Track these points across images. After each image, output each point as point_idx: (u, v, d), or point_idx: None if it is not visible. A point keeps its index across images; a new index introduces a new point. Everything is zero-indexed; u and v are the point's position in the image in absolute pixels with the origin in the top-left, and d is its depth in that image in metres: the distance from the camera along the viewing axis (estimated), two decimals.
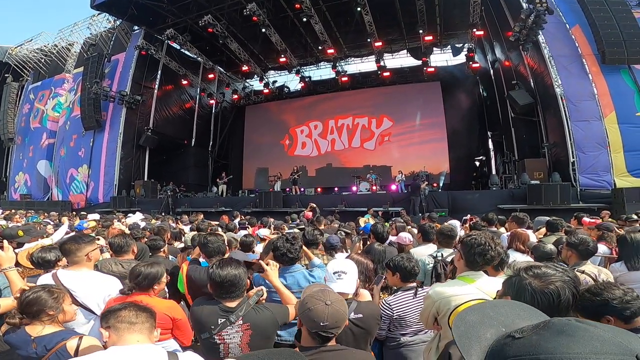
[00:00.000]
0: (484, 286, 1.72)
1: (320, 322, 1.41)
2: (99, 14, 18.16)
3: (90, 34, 19.15)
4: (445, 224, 4.98)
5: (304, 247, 2.96)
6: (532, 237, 3.75)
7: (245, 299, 1.97)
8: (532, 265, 1.24)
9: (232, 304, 1.93)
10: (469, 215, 5.39)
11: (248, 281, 2.06)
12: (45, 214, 11.38)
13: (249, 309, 1.91)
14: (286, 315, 2.08)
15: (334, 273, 2.07)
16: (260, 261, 2.29)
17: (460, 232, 4.81)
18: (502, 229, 5.28)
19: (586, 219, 5.23)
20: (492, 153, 17.98)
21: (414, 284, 2.48)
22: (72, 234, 4.30)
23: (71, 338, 1.72)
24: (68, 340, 1.70)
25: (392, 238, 4.33)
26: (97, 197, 16.76)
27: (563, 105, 10.67)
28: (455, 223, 5.27)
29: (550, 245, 2.83)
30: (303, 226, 6.41)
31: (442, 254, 3.04)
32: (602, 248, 3.50)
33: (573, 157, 10.51)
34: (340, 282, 2.03)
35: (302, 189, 16.05)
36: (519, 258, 2.90)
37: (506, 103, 13.92)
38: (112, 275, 2.48)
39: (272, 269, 2.25)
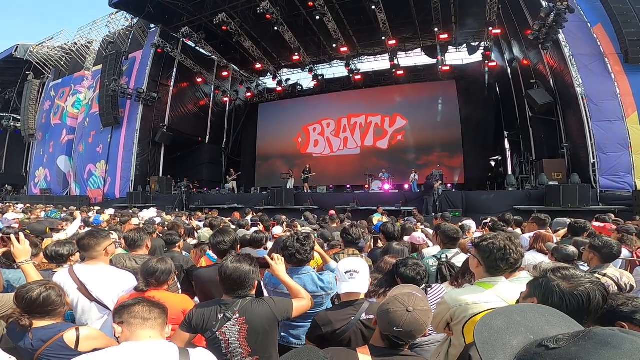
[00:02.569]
0: (504, 293, 1.63)
1: (394, 326, 1.36)
2: (117, 12, 18.50)
3: (109, 32, 19.52)
4: (461, 224, 4.91)
5: (319, 249, 2.89)
6: (555, 240, 3.65)
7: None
8: (559, 267, 1.20)
9: (232, 298, 1.92)
10: (489, 218, 5.26)
11: (256, 282, 2.01)
12: (65, 209, 11.65)
13: (245, 303, 1.88)
14: (287, 309, 1.99)
15: (345, 272, 2.00)
16: (265, 256, 2.24)
17: (477, 235, 4.73)
18: (518, 230, 5.17)
19: (595, 224, 5.02)
20: (508, 153, 17.63)
21: (423, 286, 2.43)
22: (88, 228, 4.39)
23: (68, 330, 1.71)
24: (65, 332, 1.69)
25: (405, 238, 4.28)
26: (114, 193, 17.11)
27: (584, 104, 10.39)
28: (471, 223, 5.17)
29: (572, 247, 2.75)
30: (315, 225, 6.40)
31: (446, 255, 2.98)
32: (623, 252, 3.38)
33: (593, 158, 10.23)
34: (352, 282, 1.97)
35: (314, 187, 16.05)
36: (541, 259, 2.82)
37: (524, 102, 13.61)
38: (127, 271, 2.51)
39: (277, 263, 2.18)
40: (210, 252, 3.12)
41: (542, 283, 1.16)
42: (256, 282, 2.02)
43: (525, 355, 0.54)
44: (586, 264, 2.65)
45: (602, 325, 1.52)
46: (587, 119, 10.31)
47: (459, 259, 2.98)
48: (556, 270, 1.16)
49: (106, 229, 4.12)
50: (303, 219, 8.12)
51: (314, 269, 2.73)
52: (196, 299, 2.94)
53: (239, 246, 3.09)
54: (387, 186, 14.31)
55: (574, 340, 0.51)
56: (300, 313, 2.09)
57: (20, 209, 10.92)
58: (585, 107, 10.37)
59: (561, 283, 1.12)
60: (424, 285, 2.42)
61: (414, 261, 2.45)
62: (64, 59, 21.40)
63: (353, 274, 1.97)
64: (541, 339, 0.55)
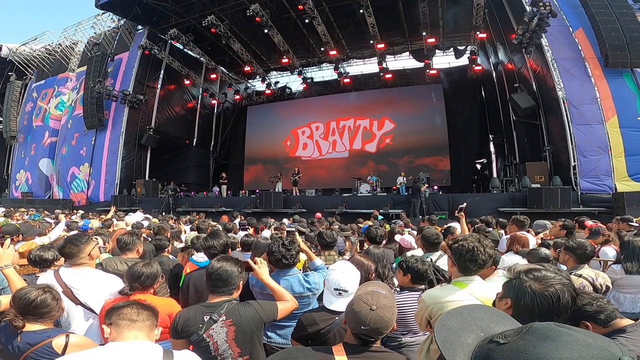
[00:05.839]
0: (477, 291, 1.72)
1: (362, 325, 1.43)
2: (103, 14, 18.27)
3: (95, 33, 19.26)
4: (447, 226, 5.00)
5: (304, 247, 2.97)
6: (532, 241, 3.75)
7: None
8: (531, 268, 1.24)
9: (217, 300, 1.96)
10: (464, 203, 5.27)
11: (241, 283, 2.06)
12: (46, 212, 11.41)
13: (231, 306, 1.93)
14: (273, 312, 2.06)
15: (335, 289, 2.00)
16: (248, 259, 2.29)
17: (456, 225, 4.85)
18: (502, 232, 5.30)
19: (589, 222, 5.19)
20: (493, 156, 17.98)
21: (422, 286, 2.47)
22: (74, 232, 4.33)
23: (57, 336, 1.73)
24: (54, 338, 1.71)
25: (396, 237, 4.32)
26: (98, 196, 16.81)
27: (565, 108, 10.64)
28: (457, 225, 5.26)
29: (545, 250, 2.84)
30: (303, 229, 6.42)
31: (431, 259, 3.03)
32: (611, 250, 3.48)
33: (574, 161, 10.48)
34: (340, 301, 1.96)
35: (303, 190, 16.07)
36: (517, 261, 2.90)
37: (508, 106, 13.90)
38: (117, 274, 2.50)
39: (260, 266, 2.23)
40: (194, 257, 3.12)
41: (515, 284, 1.21)
42: (241, 283, 2.07)
43: (480, 352, 0.61)
44: (563, 265, 2.74)
45: (572, 322, 1.61)
46: (568, 123, 10.56)
47: (442, 261, 3.04)
48: (528, 272, 1.21)
49: (90, 233, 4.08)
50: (292, 221, 8.13)
51: (300, 270, 2.78)
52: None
53: (230, 250, 3.11)
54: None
55: (520, 335, 0.59)
56: (284, 315, 2.14)
57: (2, 212, 10.65)
58: (566, 111, 10.61)
59: (533, 284, 1.17)
60: (423, 285, 2.48)
61: (420, 257, 2.57)
62: (47, 59, 21.00)
63: (342, 293, 1.98)
64: (490, 336, 0.63)
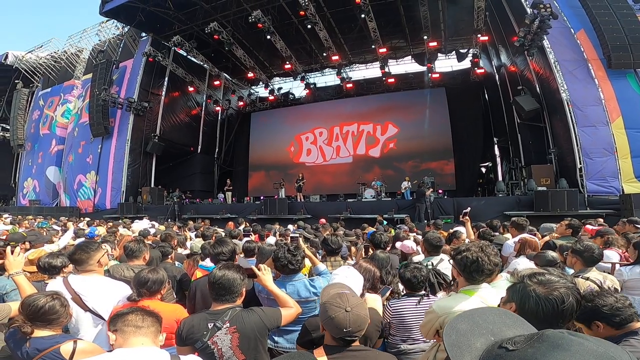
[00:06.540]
0: (488, 298, 1.71)
1: (344, 328, 1.44)
2: (107, 21, 18.48)
3: (99, 40, 19.48)
4: (452, 230, 4.98)
5: (308, 253, 2.99)
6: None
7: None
8: (536, 272, 1.24)
9: (220, 307, 1.98)
10: (469, 208, 5.26)
11: (243, 290, 2.08)
12: (54, 220, 11.50)
13: (235, 313, 1.95)
14: (277, 318, 2.08)
15: None
16: (252, 266, 2.31)
17: (462, 230, 4.84)
18: (508, 235, 5.27)
19: (588, 226, 5.13)
20: (498, 159, 17.87)
21: (421, 292, 2.47)
22: (81, 239, 4.37)
23: (66, 342, 1.74)
24: (62, 344, 1.72)
25: (397, 244, 4.33)
26: (105, 204, 16.92)
27: (569, 110, 10.58)
28: (463, 230, 5.24)
29: (552, 252, 2.83)
30: (308, 235, 6.42)
31: (432, 263, 3.02)
32: (614, 254, 3.44)
33: (580, 163, 10.41)
34: None
35: (307, 196, 16.08)
36: (529, 265, 2.88)
37: (512, 109, 13.85)
38: (124, 281, 2.53)
39: (264, 273, 2.26)
40: (203, 263, 3.15)
41: (519, 288, 1.21)
42: (244, 290, 2.09)
43: (488, 357, 0.60)
44: (571, 268, 2.73)
45: (582, 321, 1.60)
46: (573, 125, 10.49)
47: (444, 265, 3.04)
48: (532, 276, 1.21)
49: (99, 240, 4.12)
50: (297, 227, 8.13)
51: (305, 274, 2.80)
52: None
53: (237, 256, 3.14)
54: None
55: (529, 342, 0.58)
56: (288, 321, 2.17)
57: (9, 220, 10.75)
58: (570, 113, 10.55)
59: (537, 288, 1.17)
60: (422, 291, 2.47)
61: (416, 265, 2.53)
62: (53, 67, 21.25)
63: None
64: (500, 340, 0.62)
